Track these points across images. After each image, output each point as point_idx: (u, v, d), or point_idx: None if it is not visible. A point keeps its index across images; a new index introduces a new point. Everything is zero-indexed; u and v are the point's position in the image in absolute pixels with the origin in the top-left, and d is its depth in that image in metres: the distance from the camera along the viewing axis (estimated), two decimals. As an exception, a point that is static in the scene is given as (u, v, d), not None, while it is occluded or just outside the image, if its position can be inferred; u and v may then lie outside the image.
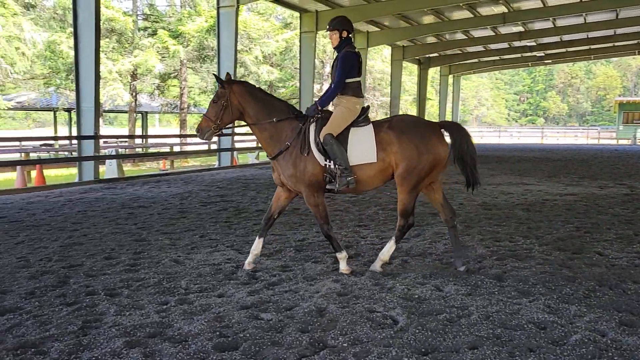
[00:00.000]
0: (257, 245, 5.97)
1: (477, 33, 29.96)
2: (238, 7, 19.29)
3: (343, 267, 5.75)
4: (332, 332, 4.08)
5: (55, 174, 22.72)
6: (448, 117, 42.94)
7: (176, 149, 29.26)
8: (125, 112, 35.48)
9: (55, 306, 4.66)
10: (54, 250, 6.72)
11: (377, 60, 43.28)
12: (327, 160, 5.63)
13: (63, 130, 40.68)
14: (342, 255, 5.77)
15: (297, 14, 25.14)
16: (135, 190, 13.13)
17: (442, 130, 5.76)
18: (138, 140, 31.80)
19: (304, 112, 5.90)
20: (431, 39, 31.47)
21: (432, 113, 47.86)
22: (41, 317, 4.38)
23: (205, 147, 22.68)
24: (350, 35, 5.95)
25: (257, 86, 5.98)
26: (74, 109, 19.63)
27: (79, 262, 6.16)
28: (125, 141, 29.86)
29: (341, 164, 5.56)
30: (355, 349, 3.77)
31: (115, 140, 30.16)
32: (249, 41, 32.36)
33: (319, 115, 5.78)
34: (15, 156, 23.77)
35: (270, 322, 4.29)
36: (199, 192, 12.74)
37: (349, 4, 22.41)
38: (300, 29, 23.38)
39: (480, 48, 35.00)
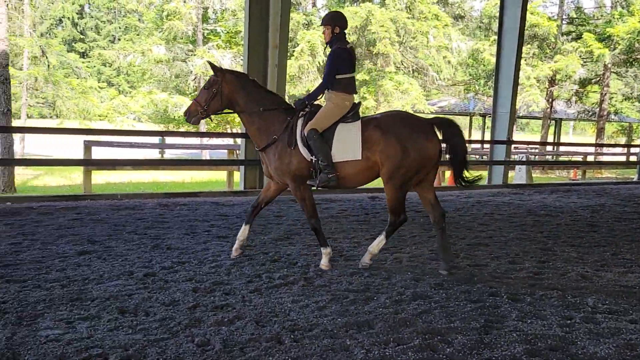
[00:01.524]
0: (244, 232, 6.12)
1: None
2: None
3: (324, 262, 5.79)
4: None
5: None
6: None
7: (590, 158, 27.51)
8: (539, 118, 35.05)
9: (460, 300, 4.90)
10: (461, 248, 7.09)
11: None
12: (313, 155, 5.60)
13: (477, 134, 42.70)
14: (326, 251, 5.83)
15: None
16: (543, 198, 12.87)
17: (434, 127, 5.66)
18: (549, 148, 31.04)
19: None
20: None
21: None
22: (447, 309, 4.66)
23: (623, 158, 20.66)
24: (343, 31, 5.84)
25: (250, 78, 6.04)
26: (489, 114, 20.31)
27: (483, 262, 6.36)
28: (536, 148, 29.52)
29: (323, 161, 5.53)
30: None
31: (525, 146, 30.11)
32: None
33: (308, 110, 5.78)
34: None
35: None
36: (613, 206, 11.70)
37: None
38: None
39: None
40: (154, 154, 23.38)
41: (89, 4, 70.23)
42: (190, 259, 6.01)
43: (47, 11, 44.80)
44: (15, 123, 20.62)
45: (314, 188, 5.80)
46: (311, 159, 5.66)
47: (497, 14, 15.50)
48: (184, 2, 25.23)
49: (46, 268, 5.43)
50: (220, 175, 17.78)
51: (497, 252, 6.90)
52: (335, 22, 5.83)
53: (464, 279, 5.61)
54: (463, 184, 5.97)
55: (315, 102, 5.92)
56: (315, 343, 3.81)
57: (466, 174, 5.87)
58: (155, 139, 18.08)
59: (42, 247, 6.31)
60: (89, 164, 11.92)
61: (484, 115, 33.54)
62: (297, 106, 5.86)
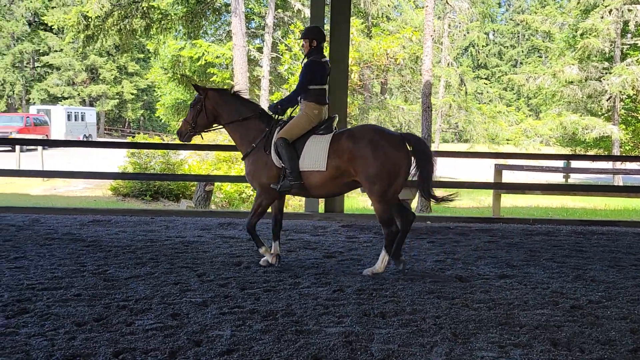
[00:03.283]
0: (275, 247, 6.34)
1: None
2: None
3: (268, 259, 6.22)
4: None
5: None
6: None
7: None
8: None
9: None
10: None
11: None
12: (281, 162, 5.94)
13: None
14: (263, 250, 6.27)
15: None
16: None
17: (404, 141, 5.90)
18: None
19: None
20: None
21: None
22: None
23: None
24: (320, 44, 6.15)
25: (232, 92, 6.40)
26: None
27: None
28: None
29: (288, 168, 5.88)
30: None
31: None
32: None
33: (285, 120, 6.15)
34: None
35: None
36: None
37: None
38: None
39: None
40: (557, 178, 22.55)
41: (494, 31, 72.60)
42: (620, 295, 5.45)
43: (459, 41, 48.04)
44: (432, 147, 22.62)
45: (277, 190, 6.04)
46: (282, 166, 5.98)
47: None
48: (601, 18, 23.70)
49: (470, 288, 5.62)
50: (637, 203, 15.96)
51: None
52: (313, 35, 6.17)
53: None
54: (433, 200, 6.03)
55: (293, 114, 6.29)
56: None
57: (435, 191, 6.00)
58: (560, 163, 17.44)
59: (464, 266, 6.58)
60: (500, 187, 12.14)
61: None
62: (270, 109, 6.31)
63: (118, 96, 61.80)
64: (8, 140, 23.16)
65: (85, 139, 39.58)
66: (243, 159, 6.37)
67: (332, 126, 6.13)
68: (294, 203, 15.75)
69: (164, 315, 4.56)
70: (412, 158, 5.93)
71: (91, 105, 58.09)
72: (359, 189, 6.54)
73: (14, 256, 6.33)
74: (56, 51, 58.90)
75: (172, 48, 27.66)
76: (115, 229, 8.33)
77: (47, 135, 34.84)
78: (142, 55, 60.72)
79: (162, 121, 38.52)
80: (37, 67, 62.04)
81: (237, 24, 23.51)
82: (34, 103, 55.40)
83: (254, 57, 26.26)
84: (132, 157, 16.32)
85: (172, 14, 24.23)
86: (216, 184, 15.09)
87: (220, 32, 29.26)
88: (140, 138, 23.40)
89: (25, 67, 61.31)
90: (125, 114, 66.09)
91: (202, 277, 5.77)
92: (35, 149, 22.87)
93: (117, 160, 17.74)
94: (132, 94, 62.29)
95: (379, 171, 5.72)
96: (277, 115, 6.28)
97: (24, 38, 60.21)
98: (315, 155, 5.89)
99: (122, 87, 61.61)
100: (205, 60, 25.20)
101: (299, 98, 6.18)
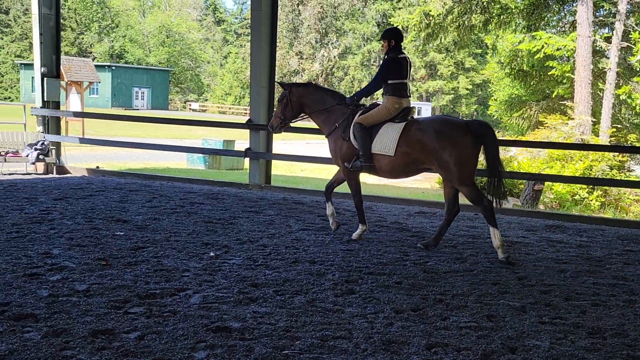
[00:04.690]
0: (330, 208, 7.12)
1: None
2: None
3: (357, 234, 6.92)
4: None
5: None
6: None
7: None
8: None
9: None
10: None
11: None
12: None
13: None
14: (363, 227, 6.93)
15: None
16: None
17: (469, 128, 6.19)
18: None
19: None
20: None
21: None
22: None
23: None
24: (399, 43, 6.72)
25: (313, 84, 7.36)
26: None
27: None
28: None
29: (360, 149, 6.56)
30: None
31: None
32: None
33: (366, 107, 6.83)
34: None
35: None
36: None
37: None
38: None
39: None
40: None
41: None
42: None
43: None
44: None
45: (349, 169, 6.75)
46: (357, 148, 6.65)
47: None
48: None
49: None
50: None
51: None
52: (390, 36, 6.75)
53: None
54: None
55: (377, 102, 6.96)
56: None
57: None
58: None
59: None
60: None
61: None
62: (347, 101, 6.95)
63: (453, 91, 63.38)
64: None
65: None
66: (327, 136, 7.13)
67: (407, 115, 6.64)
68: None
69: (480, 315, 4.44)
70: (479, 143, 6.24)
71: (427, 100, 60.86)
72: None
73: (346, 239, 6.96)
74: (398, 49, 63.35)
75: (510, 42, 26.98)
76: (440, 222, 8.50)
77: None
78: (479, 51, 61.02)
79: (494, 117, 38.01)
80: (383, 65, 67.61)
81: (583, 12, 21.65)
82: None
83: (600, 47, 23.86)
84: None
85: (513, 7, 23.56)
86: (547, 183, 14.22)
87: (563, 22, 27.40)
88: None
89: (372, 65, 67.45)
90: (459, 109, 67.45)
91: (522, 281, 5.48)
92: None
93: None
94: (467, 89, 63.20)
95: (449, 158, 6.11)
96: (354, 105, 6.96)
97: (372, 38, 66.21)
98: (386, 141, 6.46)
99: (458, 82, 62.96)
100: (544, 53, 23.91)
101: (376, 91, 7.05)
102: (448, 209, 6.61)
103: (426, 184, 17.73)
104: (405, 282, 5.24)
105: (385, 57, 6.76)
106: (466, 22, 23.34)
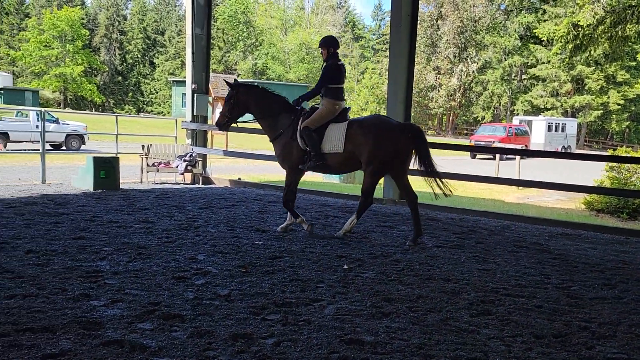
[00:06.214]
0: (291, 219, 7.58)
1: None
2: None
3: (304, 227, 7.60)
4: None
5: None
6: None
7: None
8: None
9: None
10: None
11: None
12: (307, 146, 7.23)
13: None
14: (298, 220, 7.51)
15: None
16: None
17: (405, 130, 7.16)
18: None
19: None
20: None
21: None
22: None
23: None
24: (336, 51, 7.49)
25: (259, 87, 7.78)
26: None
27: None
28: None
29: (312, 150, 7.17)
30: None
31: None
32: None
33: (307, 111, 7.41)
34: None
35: None
36: None
37: None
38: None
39: None
40: None
41: None
42: None
43: None
44: None
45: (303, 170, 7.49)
46: (305, 149, 7.26)
47: None
48: None
49: None
50: None
51: None
52: (329, 44, 7.47)
53: None
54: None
55: (315, 105, 7.50)
56: None
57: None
58: None
59: None
60: None
61: None
62: (293, 103, 7.60)
63: (602, 107, 59.12)
64: (490, 149, 25.02)
65: (563, 150, 39.31)
66: (271, 141, 7.62)
67: (346, 115, 7.44)
68: None
69: (630, 347, 4.09)
70: (412, 143, 7.13)
71: (573, 116, 57.27)
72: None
73: (483, 258, 6.74)
74: (543, 63, 60.23)
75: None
76: (585, 245, 7.97)
77: (526, 145, 36.05)
78: (633, 63, 56.47)
79: (651, 134, 34.83)
80: (524, 79, 64.67)
81: None
82: (517, 114, 58.02)
83: None
84: (611, 172, 15.31)
85: (674, 15, 21.58)
86: None
87: None
88: (622, 151, 21.80)
89: (513, 79, 64.81)
90: (608, 126, 62.87)
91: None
92: (514, 158, 23.91)
93: (594, 173, 16.97)
94: (618, 104, 58.69)
95: (379, 154, 7.01)
96: (299, 108, 7.55)
97: (514, 52, 63.65)
98: (334, 140, 7.17)
99: (608, 97, 58.67)
100: None
101: (319, 94, 7.44)
102: (407, 199, 7.32)
103: (570, 205, 16.67)
104: (546, 306, 4.96)
105: (325, 63, 7.51)
106: (619, 32, 21.73)
